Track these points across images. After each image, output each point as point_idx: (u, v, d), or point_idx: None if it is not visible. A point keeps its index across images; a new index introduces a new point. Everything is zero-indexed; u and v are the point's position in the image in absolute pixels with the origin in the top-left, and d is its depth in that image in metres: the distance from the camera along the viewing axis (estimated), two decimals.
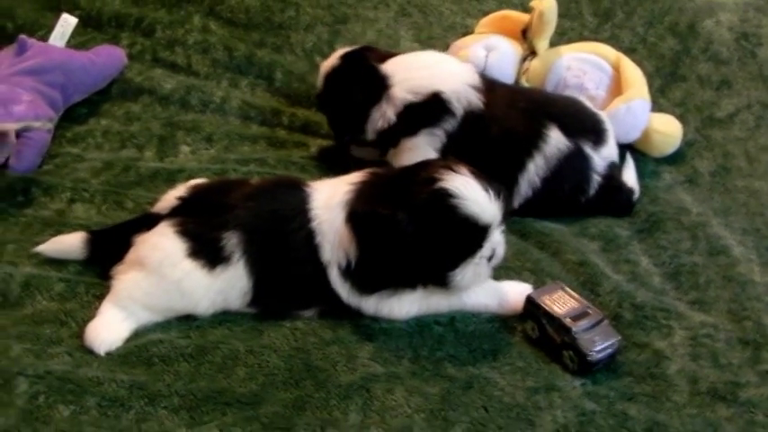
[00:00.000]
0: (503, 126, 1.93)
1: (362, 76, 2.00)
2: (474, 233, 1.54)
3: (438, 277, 1.58)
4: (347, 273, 1.59)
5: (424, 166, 1.60)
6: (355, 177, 1.63)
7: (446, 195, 1.50)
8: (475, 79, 1.96)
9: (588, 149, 1.96)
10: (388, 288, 1.60)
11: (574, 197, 1.98)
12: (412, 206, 1.52)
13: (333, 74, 2.06)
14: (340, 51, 2.10)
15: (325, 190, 1.64)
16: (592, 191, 1.98)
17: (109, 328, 1.56)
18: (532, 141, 1.93)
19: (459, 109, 1.92)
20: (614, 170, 2.03)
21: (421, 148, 1.94)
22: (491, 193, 1.52)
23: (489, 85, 1.98)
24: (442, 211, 1.51)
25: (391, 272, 1.58)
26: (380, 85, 1.98)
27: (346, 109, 2.05)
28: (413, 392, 1.47)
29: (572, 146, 1.94)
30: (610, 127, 2.05)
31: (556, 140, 1.93)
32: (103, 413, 1.41)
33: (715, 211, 2.07)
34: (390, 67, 1.99)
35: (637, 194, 2.07)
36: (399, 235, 1.52)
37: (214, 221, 1.58)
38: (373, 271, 1.57)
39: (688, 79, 2.48)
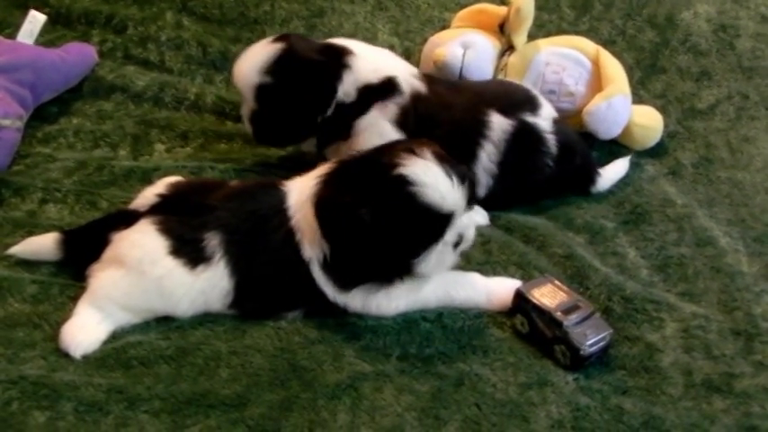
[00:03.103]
0: (448, 122, 1.91)
1: (322, 58, 1.88)
2: (435, 221, 1.48)
3: (402, 265, 1.53)
4: (326, 268, 1.55)
5: (388, 148, 1.55)
6: (323, 169, 1.60)
7: (405, 183, 1.45)
8: (416, 72, 1.97)
9: (530, 118, 1.96)
10: (366, 282, 1.56)
11: (539, 165, 1.97)
12: (372, 194, 1.48)
13: (285, 59, 1.86)
14: (265, 41, 1.92)
15: (298, 186, 1.60)
16: (553, 150, 1.96)
17: (85, 330, 1.51)
18: (478, 131, 1.92)
19: (407, 91, 1.89)
20: (562, 128, 2.02)
21: (376, 125, 1.88)
22: (454, 178, 1.47)
23: (429, 80, 1.97)
24: (401, 199, 1.46)
25: (360, 263, 1.53)
26: (341, 65, 1.88)
27: (307, 99, 1.87)
28: (402, 391, 1.44)
29: (514, 122, 1.93)
30: (537, 92, 2.08)
31: (498, 124, 1.92)
32: (81, 418, 1.36)
33: (699, 202, 2.06)
34: (347, 45, 1.93)
35: (603, 179, 2.06)
36: (359, 224, 1.47)
37: (195, 221, 1.55)
38: (345, 263, 1.53)
39: (668, 71, 2.47)
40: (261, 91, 1.88)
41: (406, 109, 1.88)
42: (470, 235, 1.58)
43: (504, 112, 1.93)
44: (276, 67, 1.85)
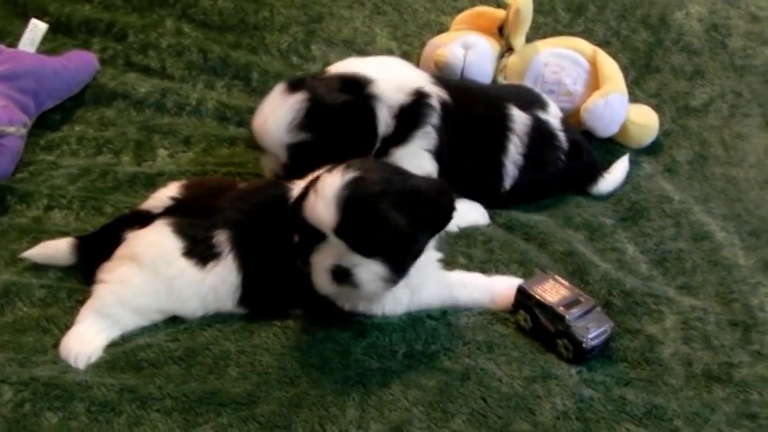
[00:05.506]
0: (476, 119, 1.94)
1: (351, 97, 1.81)
2: (301, 226, 1.47)
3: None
4: None
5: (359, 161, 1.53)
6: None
7: (310, 184, 1.48)
8: (428, 76, 1.96)
9: (542, 115, 2.01)
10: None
11: (553, 159, 2.01)
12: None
13: (315, 111, 1.78)
14: (279, 92, 1.82)
15: (301, 183, 1.62)
16: (564, 145, 2.01)
17: (83, 341, 1.52)
18: (504, 124, 1.95)
19: (437, 104, 1.89)
20: (569, 126, 2.08)
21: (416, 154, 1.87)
22: (339, 203, 1.41)
23: (442, 82, 1.96)
24: (300, 198, 1.49)
25: None
26: (370, 99, 1.82)
27: (353, 146, 1.77)
28: (410, 386, 1.46)
29: (531, 117, 1.97)
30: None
31: (519, 117, 1.96)
32: (94, 418, 1.38)
33: (695, 198, 2.09)
34: (360, 73, 1.86)
35: (607, 181, 2.09)
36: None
37: (206, 222, 1.58)
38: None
39: (662, 70, 2.51)
40: (297, 149, 1.79)
41: (441, 130, 1.88)
42: (360, 278, 1.46)
43: (521, 107, 1.98)
44: (309, 122, 1.77)
